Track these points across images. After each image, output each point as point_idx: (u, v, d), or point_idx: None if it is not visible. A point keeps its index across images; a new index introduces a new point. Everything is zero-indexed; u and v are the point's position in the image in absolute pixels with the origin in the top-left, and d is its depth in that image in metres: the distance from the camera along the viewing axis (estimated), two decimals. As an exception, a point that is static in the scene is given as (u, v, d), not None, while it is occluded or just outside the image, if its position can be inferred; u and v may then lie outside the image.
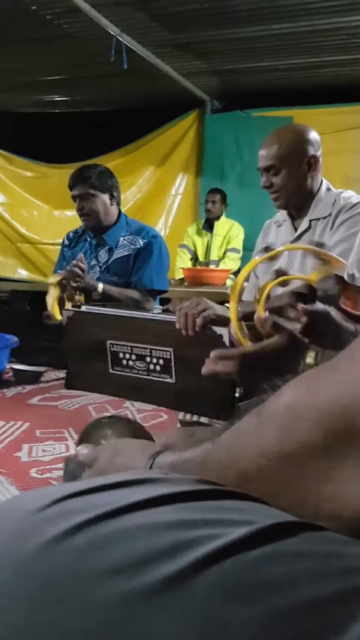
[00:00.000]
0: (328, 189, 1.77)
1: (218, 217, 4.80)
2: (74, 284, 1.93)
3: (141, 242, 2.21)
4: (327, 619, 0.27)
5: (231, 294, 1.09)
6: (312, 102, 4.87)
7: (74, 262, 1.97)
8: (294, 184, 1.71)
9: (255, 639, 0.26)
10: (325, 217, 1.72)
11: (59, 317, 1.70)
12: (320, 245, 1.04)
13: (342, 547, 0.31)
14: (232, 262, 4.64)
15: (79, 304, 1.82)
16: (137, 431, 0.79)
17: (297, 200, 1.75)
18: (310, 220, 1.75)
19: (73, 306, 1.75)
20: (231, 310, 1.08)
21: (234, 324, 1.07)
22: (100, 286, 2.04)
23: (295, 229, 1.80)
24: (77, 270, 1.93)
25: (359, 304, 1.69)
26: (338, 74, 4.90)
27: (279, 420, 0.38)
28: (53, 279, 1.87)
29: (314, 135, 1.75)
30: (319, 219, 1.73)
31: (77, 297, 1.91)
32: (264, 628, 0.26)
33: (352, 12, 3.71)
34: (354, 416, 0.34)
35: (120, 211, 2.30)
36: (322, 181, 1.78)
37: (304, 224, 1.76)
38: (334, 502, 0.35)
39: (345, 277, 1.59)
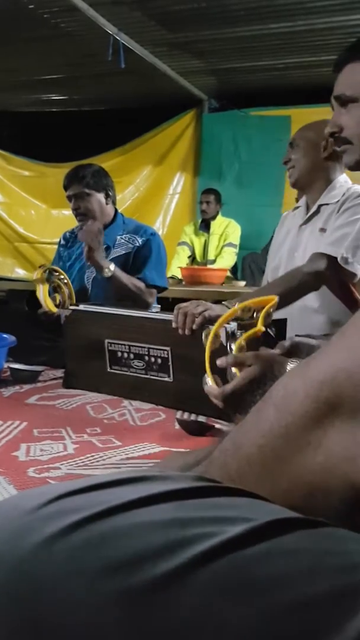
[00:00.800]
0: (345, 181, 1.83)
1: (214, 217, 4.81)
2: (92, 245, 1.93)
3: (140, 241, 2.20)
4: (323, 617, 0.27)
5: (206, 343, 1.11)
6: (310, 101, 4.86)
7: (89, 222, 1.99)
8: (306, 161, 1.79)
9: (252, 637, 0.26)
10: (334, 203, 1.77)
11: (54, 309, 1.70)
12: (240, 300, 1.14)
13: (337, 544, 0.31)
14: (228, 257, 4.64)
15: (69, 301, 1.82)
16: None
17: (307, 178, 1.82)
18: (320, 205, 1.81)
19: (69, 304, 1.75)
20: (206, 358, 1.10)
21: (207, 372, 1.10)
22: (112, 266, 2.04)
23: (307, 214, 1.86)
24: (96, 229, 1.94)
25: (358, 287, 1.70)
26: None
27: (276, 398, 0.39)
28: (37, 274, 1.87)
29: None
30: (328, 204, 1.79)
31: (65, 290, 1.90)
32: (260, 626, 0.26)
33: (350, 12, 3.72)
34: (341, 383, 0.35)
35: (116, 210, 2.30)
36: (342, 173, 1.84)
37: (314, 208, 1.83)
38: (326, 472, 0.36)
39: (339, 261, 1.60)
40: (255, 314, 1.13)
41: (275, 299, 1.16)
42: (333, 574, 0.29)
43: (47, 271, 1.88)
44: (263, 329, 1.09)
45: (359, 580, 0.28)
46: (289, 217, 2.00)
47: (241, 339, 1.09)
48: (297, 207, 1.97)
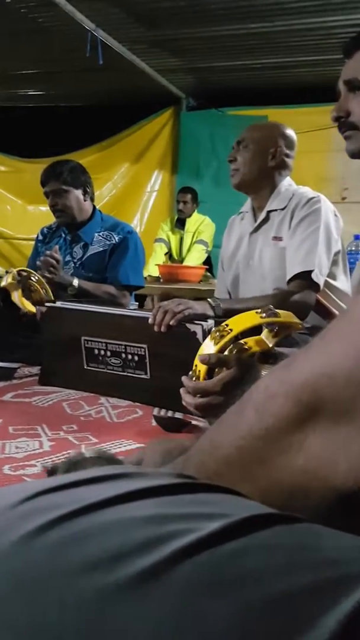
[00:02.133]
0: (289, 184, 1.82)
1: (190, 216, 4.81)
2: (49, 276, 1.91)
3: (116, 238, 2.20)
4: (300, 612, 0.27)
5: (215, 344, 1.07)
6: (286, 101, 4.91)
7: (47, 252, 1.95)
8: (252, 164, 1.77)
9: (230, 632, 0.26)
10: (282, 209, 1.76)
11: (33, 309, 1.68)
12: (274, 313, 1.05)
13: (315, 539, 0.32)
14: (197, 254, 4.65)
15: (45, 299, 1.80)
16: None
17: (251, 182, 1.80)
18: (268, 212, 1.80)
19: (46, 301, 1.73)
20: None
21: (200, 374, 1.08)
22: (76, 281, 2.02)
23: (255, 220, 1.84)
24: (52, 260, 1.91)
25: (322, 295, 1.72)
26: (312, 74, 4.94)
27: (256, 400, 0.39)
28: (8, 279, 1.81)
29: (290, 133, 1.82)
30: (276, 210, 1.78)
31: (41, 290, 1.88)
32: (238, 621, 0.26)
33: (326, 13, 3.75)
34: (322, 388, 0.35)
35: (94, 207, 2.29)
36: (287, 179, 1.82)
37: (262, 215, 1.81)
38: (305, 475, 0.36)
39: (313, 277, 1.62)
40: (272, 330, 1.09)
41: (300, 326, 1.13)
42: (310, 569, 0.29)
43: (18, 274, 1.84)
44: (275, 350, 1.07)
45: (336, 575, 0.29)
46: (236, 222, 1.97)
47: (250, 348, 1.04)
48: (242, 212, 1.95)
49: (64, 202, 2.16)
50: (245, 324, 1.05)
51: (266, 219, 1.80)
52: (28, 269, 1.97)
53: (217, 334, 1.05)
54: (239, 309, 1.47)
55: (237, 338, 1.06)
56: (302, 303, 1.61)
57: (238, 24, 3.96)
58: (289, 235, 1.71)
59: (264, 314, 1.05)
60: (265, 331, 1.07)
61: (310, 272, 1.62)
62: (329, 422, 0.35)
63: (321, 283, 1.66)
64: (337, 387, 0.34)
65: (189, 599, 0.27)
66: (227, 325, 1.06)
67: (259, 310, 1.07)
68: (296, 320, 1.11)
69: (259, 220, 1.82)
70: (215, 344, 1.04)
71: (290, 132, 1.81)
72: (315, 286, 1.65)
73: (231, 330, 1.05)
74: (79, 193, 2.18)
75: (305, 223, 1.69)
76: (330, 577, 0.28)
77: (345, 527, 0.33)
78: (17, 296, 1.77)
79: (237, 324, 1.06)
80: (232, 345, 1.04)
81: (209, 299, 1.45)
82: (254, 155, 1.76)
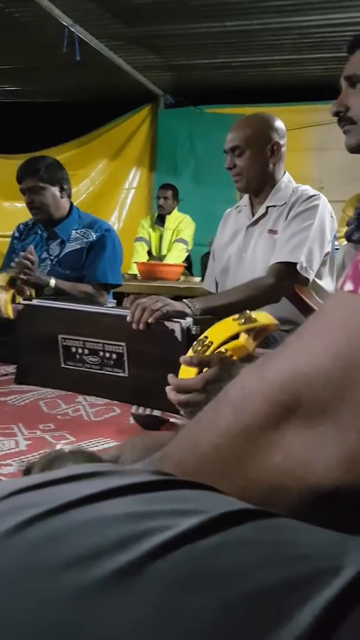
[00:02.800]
0: (289, 181, 1.83)
1: (170, 212, 4.81)
2: (24, 277, 1.89)
3: (94, 236, 2.18)
4: (277, 606, 0.27)
5: (198, 352, 1.07)
6: (264, 100, 4.93)
7: (22, 254, 1.93)
8: (255, 167, 1.77)
9: (207, 628, 0.26)
10: (281, 205, 1.77)
11: (12, 315, 1.66)
12: (250, 319, 1.06)
13: (291, 535, 0.32)
14: (177, 253, 4.65)
15: (29, 297, 1.79)
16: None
17: (257, 184, 1.80)
18: (268, 207, 1.81)
19: (24, 299, 1.71)
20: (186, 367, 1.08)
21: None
22: (52, 281, 2.00)
23: (253, 215, 1.85)
24: (27, 262, 1.90)
25: (305, 292, 1.74)
26: (289, 73, 4.98)
27: (233, 399, 0.39)
28: (2, 279, 1.82)
29: (279, 124, 1.82)
30: (275, 206, 1.79)
31: (27, 292, 1.87)
32: (216, 617, 0.27)
33: (302, 12, 3.78)
34: (299, 388, 0.35)
35: (71, 204, 2.27)
36: (285, 173, 1.83)
37: (261, 210, 1.82)
38: (283, 474, 0.36)
39: (298, 268, 1.64)
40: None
41: (276, 325, 1.14)
42: (286, 563, 0.29)
43: (11, 280, 1.83)
44: (255, 354, 1.08)
45: (310, 569, 0.29)
46: (232, 215, 1.98)
47: (232, 356, 1.05)
48: (239, 206, 1.96)
49: (40, 199, 2.14)
50: (224, 334, 1.07)
51: (264, 214, 1.81)
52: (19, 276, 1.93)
53: (199, 347, 1.07)
54: (215, 306, 1.49)
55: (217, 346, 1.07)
56: (273, 285, 1.63)
57: (216, 21, 3.97)
58: (283, 227, 1.73)
59: (241, 321, 1.07)
60: (244, 336, 1.08)
61: (294, 264, 1.64)
62: (305, 421, 0.35)
63: (310, 277, 1.67)
64: (314, 387, 0.35)
65: (166, 596, 0.27)
66: (206, 337, 1.07)
67: (236, 317, 1.09)
68: (272, 321, 1.13)
69: (257, 215, 1.82)
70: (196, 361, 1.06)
71: (278, 122, 1.81)
72: (302, 279, 1.67)
73: (212, 342, 1.06)
74: (55, 190, 2.16)
75: (300, 218, 1.71)
76: (306, 572, 0.29)
77: (322, 524, 0.34)
78: (2, 299, 1.75)
79: (216, 335, 1.08)
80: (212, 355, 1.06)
81: (184, 300, 1.45)
82: (253, 157, 1.76)
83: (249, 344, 1.07)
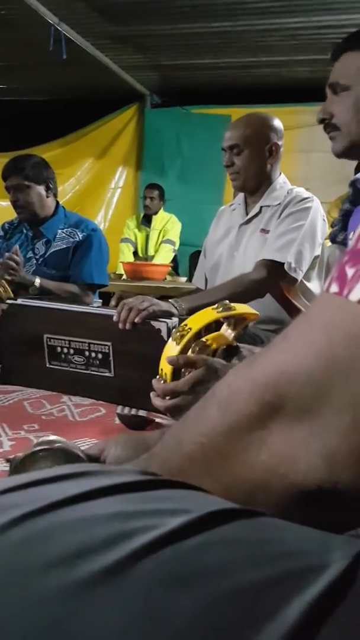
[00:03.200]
0: (284, 182, 1.84)
1: (156, 213, 4.80)
2: (8, 278, 1.88)
3: (80, 235, 2.17)
4: (263, 604, 0.27)
5: (178, 343, 1.07)
6: (250, 101, 4.94)
7: (7, 254, 1.92)
8: (253, 166, 1.78)
9: (193, 626, 0.26)
10: (276, 205, 1.78)
11: None
12: (228, 307, 1.08)
13: (276, 533, 0.32)
14: (165, 254, 4.65)
15: (6, 296, 1.78)
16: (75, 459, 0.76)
17: (254, 183, 1.81)
18: (262, 206, 1.82)
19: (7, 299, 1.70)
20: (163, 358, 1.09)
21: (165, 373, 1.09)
22: (37, 281, 2.00)
23: (247, 213, 1.86)
24: (11, 263, 1.89)
25: (292, 292, 1.76)
26: (275, 75, 5.00)
27: (219, 398, 0.40)
28: None
29: (278, 123, 1.83)
30: (269, 206, 1.80)
31: (2, 292, 1.85)
32: (202, 615, 0.27)
33: (289, 14, 3.80)
34: (284, 386, 0.36)
35: (57, 203, 2.26)
36: (280, 173, 1.85)
37: (255, 209, 1.83)
38: (267, 472, 0.37)
39: (285, 267, 1.65)
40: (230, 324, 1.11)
41: (256, 315, 1.15)
42: (271, 562, 0.29)
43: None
44: (235, 344, 1.09)
45: (295, 567, 0.29)
46: (225, 212, 1.99)
47: (211, 345, 1.06)
48: (233, 204, 1.97)
49: (25, 198, 2.13)
50: (202, 321, 1.08)
51: (258, 213, 1.82)
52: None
53: (178, 334, 1.08)
54: (200, 305, 1.49)
55: (199, 336, 1.08)
56: (258, 280, 1.64)
57: (201, 22, 3.98)
58: (274, 226, 1.74)
59: (220, 309, 1.08)
60: (224, 326, 1.09)
61: (281, 263, 1.65)
62: (290, 420, 0.36)
63: (298, 277, 1.68)
64: (298, 386, 0.35)
65: (152, 595, 0.27)
66: (186, 324, 1.08)
67: (215, 306, 1.10)
68: (251, 310, 1.14)
69: (251, 214, 1.83)
70: (178, 344, 1.07)
71: (277, 122, 1.82)
72: (289, 279, 1.68)
73: (190, 329, 1.07)
74: (41, 189, 2.15)
75: (292, 218, 1.72)
76: (291, 570, 0.29)
77: (305, 522, 0.34)
78: None
79: (195, 321, 1.09)
80: (194, 343, 1.06)
81: (170, 300, 1.46)
82: (252, 156, 1.76)
83: (228, 334, 1.08)
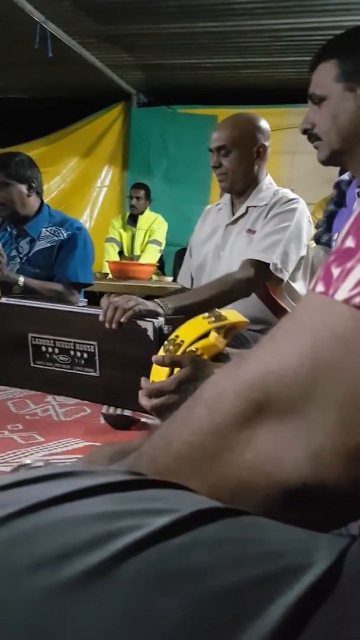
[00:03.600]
0: (271, 183, 1.85)
1: (142, 212, 4.79)
2: None
3: (65, 234, 2.16)
4: (248, 603, 0.28)
5: (169, 351, 1.08)
6: (235, 102, 4.95)
7: None
8: (241, 168, 1.78)
9: (178, 626, 0.26)
10: (262, 206, 1.79)
11: None
12: (219, 317, 1.08)
13: (260, 533, 0.32)
14: (152, 254, 4.64)
15: None
16: None
17: (242, 184, 1.81)
18: (248, 207, 1.82)
19: None
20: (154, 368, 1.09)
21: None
22: (21, 279, 1.98)
23: (233, 214, 1.86)
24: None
25: (278, 293, 1.77)
26: (261, 76, 5.01)
27: (207, 397, 0.40)
28: None
29: (265, 124, 1.83)
30: (255, 207, 1.80)
31: None
32: (187, 615, 0.27)
33: (275, 15, 3.81)
34: (270, 386, 0.36)
35: (42, 202, 2.25)
36: (266, 174, 1.85)
37: (242, 209, 1.83)
38: (253, 471, 0.37)
39: (271, 268, 1.66)
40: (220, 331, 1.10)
41: (246, 323, 1.15)
42: (256, 561, 0.30)
43: None
44: (226, 351, 1.09)
45: (280, 567, 0.30)
46: (211, 212, 1.99)
47: (203, 354, 1.06)
48: (219, 204, 1.97)
49: (6, 196, 2.11)
50: (195, 333, 1.08)
51: (244, 214, 1.82)
52: None
53: (170, 347, 1.07)
54: (186, 305, 1.49)
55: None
56: (244, 279, 1.64)
57: (188, 22, 3.98)
58: (260, 227, 1.75)
59: (211, 319, 1.08)
60: (213, 334, 1.09)
61: (267, 264, 1.66)
62: (276, 419, 0.36)
63: (284, 277, 1.69)
64: (284, 385, 0.35)
65: (137, 595, 0.27)
66: (177, 336, 1.08)
67: (206, 315, 1.10)
68: (242, 318, 1.14)
69: (237, 214, 1.84)
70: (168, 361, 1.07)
71: (263, 122, 1.82)
72: (275, 279, 1.69)
73: (183, 341, 1.07)
74: (22, 188, 2.13)
75: (277, 218, 1.73)
76: (276, 569, 0.29)
77: (291, 521, 0.34)
78: None
79: (187, 334, 1.08)
80: (185, 355, 1.07)
81: (156, 300, 1.46)
82: (240, 158, 1.76)
83: (219, 342, 1.08)
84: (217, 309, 1.12)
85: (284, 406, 0.35)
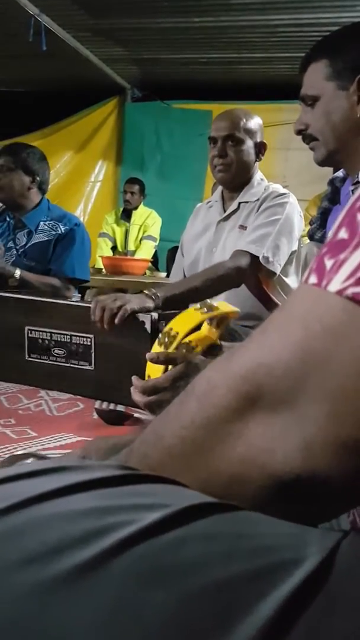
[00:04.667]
0: (262, 179, 1.84)
1: (136, 207, 4.78)
2: None
3: (62, 229, 2.16)
4: (239, 598, 0.28)
5: (164, 346, 1.08)
6: (230, 97, 4.94)
7: None
8: (247, 160, 1.77)
9: (169, 621, 0.26)
10: (254, 202, 1.79)
11: None
12: (211, 308, 1.09)
13: (252, 527, 0.32)
14: (147, 250, 4.63)
15: None
16: None
17: (242, 178, 1.80)
18: (240, 203, 1.82)
19: None
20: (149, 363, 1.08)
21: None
22: (18, 272, 1.97)
23: (225, 210, 1.86)
24: None
25: (271, 287, 1.77)
26: (256, 72, 5.00)
27: (198, 391, 0.40)
28: None
29: (259, 120, 1.83)
30: (247, 202, 1.80)
31: None
32: (178, 611, 0.27)
33: (270, 11, 3.81)
34: (261, 378, 0.36)
35: (43, 197, 2.24)
36: (257, 170, 1.85)
37: (233, 205, 1.83)
38: (245, 464, 0.37)
39: (261, 260, 1.65)
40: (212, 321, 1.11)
41: (237, 313, 1.15)
42: (247, 556, 0.30)
43: None
44: (219, 342, 1.09)
45: (272, 562, 0.30)
46: (202, 209, 1.98)
47: (197, 346, 1.07)
48: (210, 201, 1.97)
49: (7, 181, 2.11)
50: (189, 324, 1.08)
51: (236, 210, 1.82)
52: None
53: (166, 339, 1.07)
54: (177, 294, 1.49)
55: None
56: (233, 268, 1.63)
57: (183, 17, 3.96)
58: (251, 221, 1.74)
59: (203, 309, 1.08)
60: (206, 326, 1.09)
61: (256, 256, 1.66)
62: (267, 412, 0.36)
63: (276, 270, 1.68)
64: (275, 378, 0.35)
65: (127, 590, 0.27)
66: (171, 328, 1.08)
67: (198, 307, 1.10)
68: (232, 309, 1.15)
69: (229, 210, 1.83)
70: (166, 348, 1.07)
71: (258, 119, 1.83)
72: (267, 272, 1.68)
73: (177, 333, 1.07)
74: (26, 178, 2.13)
75: (268, 212, 1.72)
76: (267, 564, 0.29)
77: (283, 516, 0.34)
78: None
79: (181, 325, 1.09)
80: (180, 347, 1.07)
81: (145, 290, 1.45)
82: (248, 149, 1.75)
83: (212, 334, 1.09)
84: (208, 300, 1.12)
85: (276, 398, 0.35)
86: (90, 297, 1.41)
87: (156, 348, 1.08)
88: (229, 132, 1.73)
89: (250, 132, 1.75)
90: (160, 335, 1.10)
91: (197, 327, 1.09)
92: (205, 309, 1.09)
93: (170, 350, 1.06)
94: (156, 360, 1.05)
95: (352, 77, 1.17)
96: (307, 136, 1.28)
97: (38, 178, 2.15)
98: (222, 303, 1.15)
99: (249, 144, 1.76)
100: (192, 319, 1.09)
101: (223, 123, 1.76)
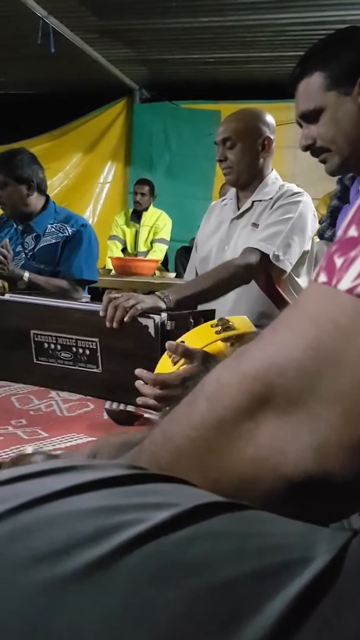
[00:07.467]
0: (277, 178, 1.85)
1: (146, 209, 4.78)
2: None
3: (70, 231, 2.16)
4: (248, 597, 0.27)
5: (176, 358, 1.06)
6: (239, 97, 4.93)
7: None
8: (246, 160, 1.77)
9: (177, 620, 0.26)
10: (267, 200, 1.79)
11: None
12: (228, 327, 1.08)
13: (261, 526, 0.32)
14: (160, 253, 4.63)
15: (2, 291, 1.77)
16: None
17: (247, 177, 1.81)
18: (253, 201, 1.82)
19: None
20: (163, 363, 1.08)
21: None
22: (26, 275, 1.99)
23: (239, 208, 1.87)
24: (0, 257, 1.88)
25: (283, 287, 1.76)
26: (265, 71, 4.99)
27: (208, 391, 0.39)
28: None
29: (270, 118, 1.83)
30: (261, 201, 1.80)
31: None
32: (187, 609, 0.27)
33: (278, 10, 3.80)
34: (272, 378, 0.35)
35: (48, 198, 2.25)
36: (272, 169, 1.85)
37: (247, 204, 1.83)
38: (256, 464, 0.37)
39: (271, 258, 1.65)
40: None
41: (255, 332, 1.11)
42: (256, 555, 0.30)
43: None
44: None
45: (280, 561, 0.29)
46: (217, 207, 1.99)
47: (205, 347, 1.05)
48: (225, 199, 1.97)
49: (6, 196, 2.12)
50: (202, 342, 1.06)
51: (250, 208, 1.82)
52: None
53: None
54: (188, 295, 1.49)
55: None
56: (243, 265, 1.63)
57: (190, 17, 3.96)
58: (264, 219, 1.75)
59: (219, 328, 1.07)
60: (221, 344, 1.07)
61: (267, 254, 1.65)
62: (278, 412, 0.36)
63: (286, 268, 1.68)
64: (287, 378, 0.35)
65: (136, 589, 0.27)
66: (183, 342, 1.07)
67: (214, 324, 1.08)
68: (251, 328, 1.11)
69: (242, 209, 1.84)
70: (174, 362, 1.06)
71: (268, 116, 1.83)
72: (277, 270, 1.68)
73: None
74: (22, 188, 2.12)
75: (281, 210, 1.73)
76: (276, 563, 0.29)
77: (292, 515, 0.34)
78: None
79: (195, 342, 1.06)
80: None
81: (157, 293, 1.45)
82: (244, 150, 1.76)
83: (226, 349, 1.07)
84: (225, 317, 1.10)
85: (287, 399, 0.35)
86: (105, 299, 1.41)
87: (165, 360, 1.07)
88: (223, 135, 1.77)
89: (247, 131, 1.76)
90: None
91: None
92: (220, 327, 1.07)
93: (179, 365, 1.05)
94: (174, 350, 1.03)
95: (353, 80, 1.17)
96: (315, 150, 1.27)
97: (33, 182, 2.15)
98: (240, 319, 1.12)
99: (248, 144, 1.76)
100: (206, 336, 1.07)
101: (221, 127, 1.80)
